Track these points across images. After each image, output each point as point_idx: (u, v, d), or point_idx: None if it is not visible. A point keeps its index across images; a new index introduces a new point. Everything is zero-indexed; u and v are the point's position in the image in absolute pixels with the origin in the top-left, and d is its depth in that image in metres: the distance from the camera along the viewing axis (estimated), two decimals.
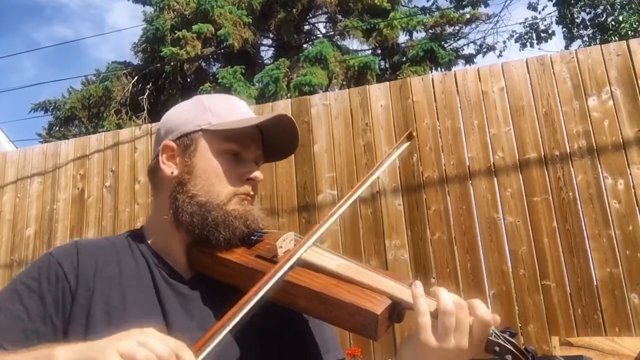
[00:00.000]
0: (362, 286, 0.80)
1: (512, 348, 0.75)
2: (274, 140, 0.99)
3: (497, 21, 12.50)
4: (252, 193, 0.96)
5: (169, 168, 0.94)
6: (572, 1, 11.26)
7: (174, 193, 0.92)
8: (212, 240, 0.89)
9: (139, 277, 0.90)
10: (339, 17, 11.82)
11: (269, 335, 0.89)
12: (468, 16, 11.73)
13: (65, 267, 0.87)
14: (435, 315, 0.76)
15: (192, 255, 0.93)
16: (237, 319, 0.73)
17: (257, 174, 0.95)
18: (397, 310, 0.80)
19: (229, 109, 0.97)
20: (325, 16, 12.32)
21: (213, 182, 0.91)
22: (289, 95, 9.34)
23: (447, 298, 0.76)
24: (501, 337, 0.76)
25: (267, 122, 0.94)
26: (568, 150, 2.72)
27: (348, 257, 0.88)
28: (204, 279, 0.91)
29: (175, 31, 10.65)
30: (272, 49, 12.61)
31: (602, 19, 11.22)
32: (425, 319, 0.75)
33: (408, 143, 0.99)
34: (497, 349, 0.75)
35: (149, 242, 0.96)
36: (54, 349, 0.67)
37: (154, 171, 0.98)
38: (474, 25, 12.11)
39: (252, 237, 0.92)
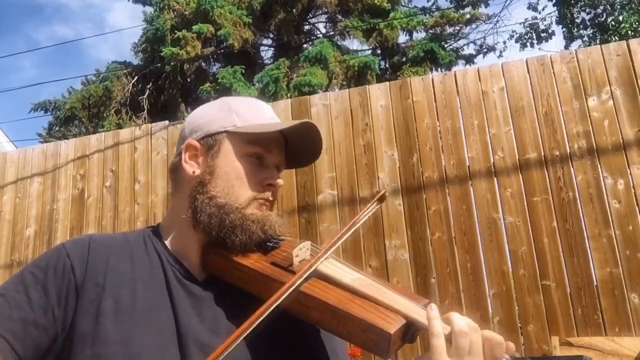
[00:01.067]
0: (377, 303, 0.79)
1: None
2: (297, 147, 0.99)
3: (497, 21, 12.51)
4: (271, 199, 0.95)
5: (191, 167, 0.94)
6: (572, 1, 11.26)
7: (193, 193, 0.92)
8: (228, 243, 0.88)
9: (151, 274, 0.89)
10: (339, 17, 11.82)
11: (278, 343, 0.88)
12: (468, 16, 11.74)
13: (73, 261, 0.87)
14: (449, 338, 0.74)
15: (207, 257, 0.92)
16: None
17: (278, 180, 0.95)
18: (411, 331, 0.78)
19: (254, 112, 0.97)
20: (325, 16, 12.32)
21: (233, 184, 0.91)
22: (288, 95, 9.34)
23: (461, 320, 0.75)
24: None
25: (292, 129, 0.93)
26: (568, 150, 2.72)
27: (364, 272, 0.88)
28: (217, 281, 0.90)
29: (175, 31, 10.65)
30: (272, 49, 12.62)
31: (602, 19, 11.23)
32: (439, 341, 0.74)
33: (379, 205, 1.00)
34: None
35: (165, 240, 0.95)
36: None
37: (175, 169, 0.98)
38: (474, 26, 12.13)
39: (269, 244, 0.91)
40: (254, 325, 0.73)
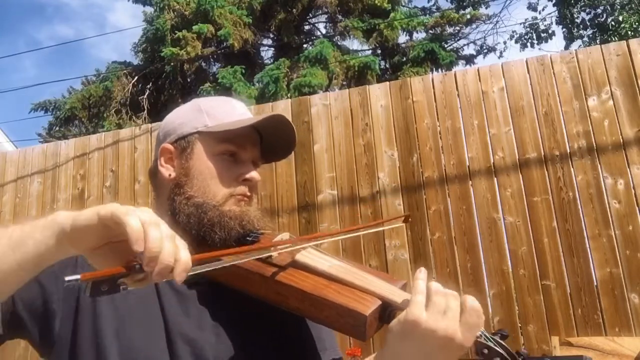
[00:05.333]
0: (353, 287, 0.81)
1: (501, 351, 0.73)
2: (272, 141, 1.00)
3: (497, 22, 12.49)
4: (248, 194, 0.96)
5: (167, 170, 0.96)
6: (572, 1, 11.26)
7: (171, 195, 0.94)
8: (208, 240, 0.90)
9: None
10: (339, 17, 11.82)
11: (266, 332, 0.90)
12: (468, 17, 11.74)
13: (78, 257, 0.88)
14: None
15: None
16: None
17: (253, 174, 0.96)
18: (388, 312, 0.80)
19: (225, 111, 0.98)
20: (326, 16, 12.32)
21: (209, 183, 0.92)
22: (289, 95, 9.34)
23: (438, 284, 0.79)
24: (491, 340, 0.75)
25: (261, 122, 0.95)
26: (568, 150, 2.72)
27: (344, 259, 0.89)
28: (201, 279, 0.92)
29: (176, 31, 10.65)
30: (272, 49, 12.61)
31: (602, 19, 11.23)
32: (420, 297, 0.76)
33: (402, 224, 1.05)
34: (485, 351, 0.74)
35: None
36: (56, 213, 0.67)
37: (153, 174, 1.00)
38: (474, 26, 12.12)
39: (248, 238, 0.93)
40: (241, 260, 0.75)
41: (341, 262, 0.87)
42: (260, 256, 0.82)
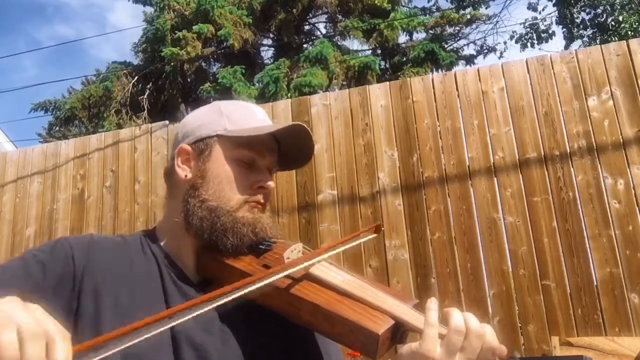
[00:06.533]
0: (367, 304, 0.80)
1: None
2: (289, 149, 1.00)
3: (497, 22, 12.49)
4: (262, 201, 0.96)
5: (183, 171, 0.95)
6: (572, 1, 11.26)
7: (186, 196, 0.93)
8: (220, 245, 0.89)
9: (148, 275, 0.90)
10: (339, 17, 11.82)
11: (273, 341, 0.89)
12: (468, 17, 11.74)
13: (74, 252, 0.88)
14: (442, 335, 0.75)
15: (201, 260, 0.93)
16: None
17: (269, 182, 0.96)
18: (400, 331, 0.79)
19: (245, 115, 0.97)
20: (326, 16, 12.32)
21: (224, 187, 0.92)
22: (289, 95, 9.34)
23: (460, 318, 0.76)
24: None
25: (282, 131, 0.95)
26: (568, 150, 2.72)
27: (355, 273, 0.88)
28: (212, 284, 0.91)
29: (176, 31, 10.65)
30: (273, 49, 12.62)
31: (602, 19, 11.22)
32: (432, 331, 0.75)
33: (374, 235, 1.04)
34: None
35: (161, 243, 0.96)
36: None
37: (169, 174, 0.99)
38: (474, 26, 12.12)
39: (261, 246, 0.91)
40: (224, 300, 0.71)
41: (353, 276, 0.86)
42: (272, 279, 0.80)
